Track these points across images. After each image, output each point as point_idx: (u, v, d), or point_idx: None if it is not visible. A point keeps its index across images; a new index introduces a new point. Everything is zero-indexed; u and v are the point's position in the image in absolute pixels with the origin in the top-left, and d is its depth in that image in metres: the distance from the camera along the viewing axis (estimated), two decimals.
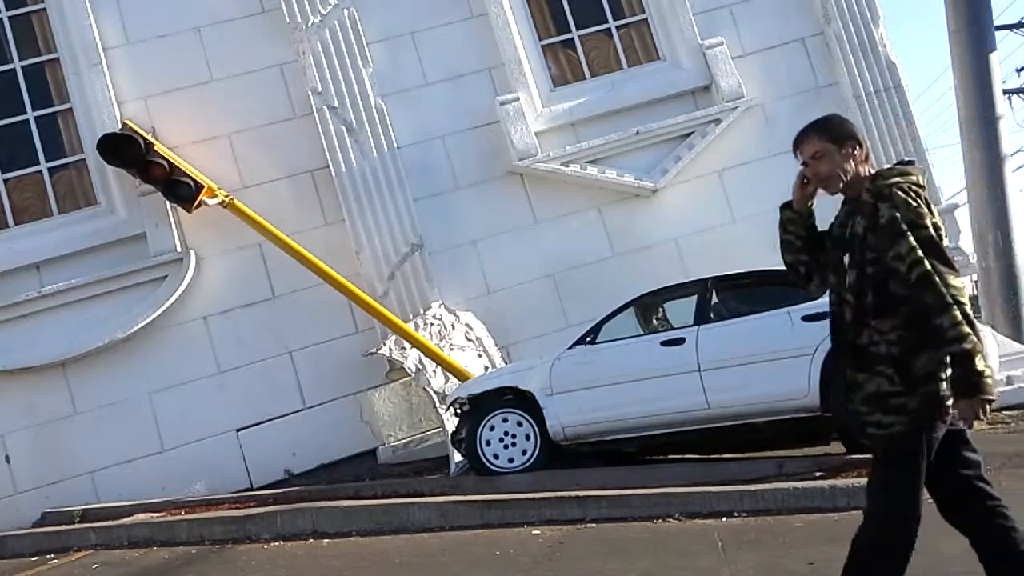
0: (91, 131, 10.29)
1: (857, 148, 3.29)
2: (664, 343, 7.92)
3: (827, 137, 3.29)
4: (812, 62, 11.39)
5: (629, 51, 11.43)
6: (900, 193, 3.14)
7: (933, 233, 3.09)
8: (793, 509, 6.17)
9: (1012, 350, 10.44)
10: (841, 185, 3.30)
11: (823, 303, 7.44)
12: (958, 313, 2.98)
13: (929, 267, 3.03)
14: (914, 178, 3.21)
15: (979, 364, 2.97)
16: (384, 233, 10.43)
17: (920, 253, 3.05)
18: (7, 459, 9.90)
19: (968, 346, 2.96)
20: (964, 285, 3.06)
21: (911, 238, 3.07)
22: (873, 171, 3.30)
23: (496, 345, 10.39)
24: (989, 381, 2.99)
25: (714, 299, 8.13)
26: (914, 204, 3.12)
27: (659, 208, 10.92)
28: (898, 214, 3.11)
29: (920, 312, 3.06)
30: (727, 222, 10.87)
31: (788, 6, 11.50)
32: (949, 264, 3.05)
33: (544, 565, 5.63)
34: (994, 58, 13.91)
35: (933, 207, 3.17)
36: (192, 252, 10.28)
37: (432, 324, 10.10)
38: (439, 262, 10.56)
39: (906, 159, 3.39)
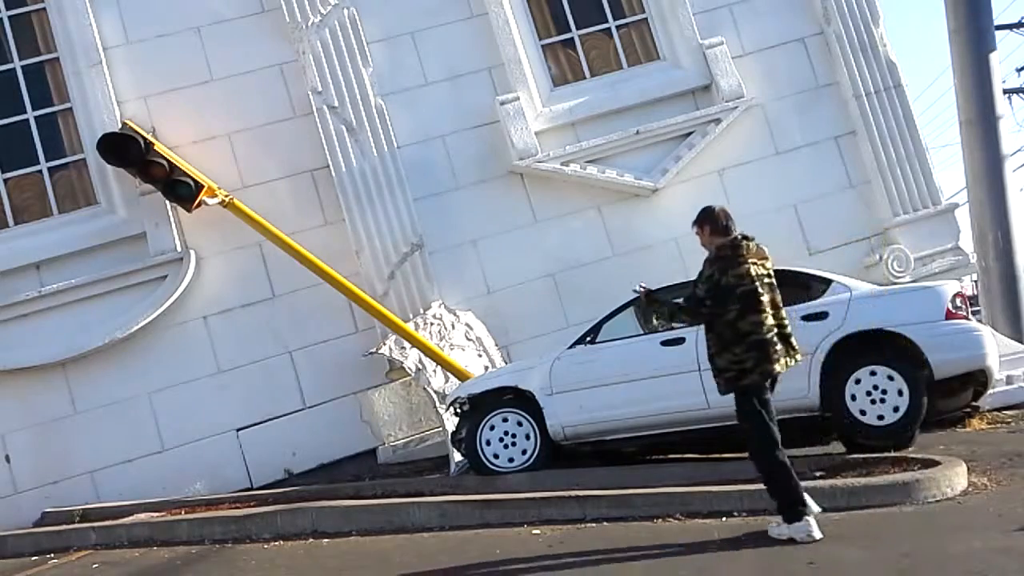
0: (91, 131, 10.30)
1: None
2: (664, 343, 7.91)
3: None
4: (812, 62, 11.39)
5: (629, 51, 11.43)
6: None
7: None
8: None
9: (1012, 350, 10.43)
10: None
11: (822, 303, 7.57)
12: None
13: None
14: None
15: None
16: (384, 233, 10.44)
17: None
18: (7, 459, 9.91)
19: None
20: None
21: None
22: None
23: (496, 345, 10.39)
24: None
25: None
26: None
27: (659, 208, 10.92)
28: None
29: None
30: None
31: (788, 6, 11.51)
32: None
33: (544, 565, 5.63)
34: (994, 58, 13.89)
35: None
36: (192, 252, 10.28)
37: (432, 324, 10.10)
38: (439, 262, 10.56)
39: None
